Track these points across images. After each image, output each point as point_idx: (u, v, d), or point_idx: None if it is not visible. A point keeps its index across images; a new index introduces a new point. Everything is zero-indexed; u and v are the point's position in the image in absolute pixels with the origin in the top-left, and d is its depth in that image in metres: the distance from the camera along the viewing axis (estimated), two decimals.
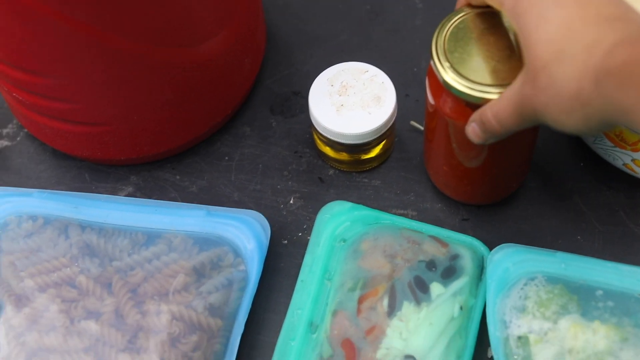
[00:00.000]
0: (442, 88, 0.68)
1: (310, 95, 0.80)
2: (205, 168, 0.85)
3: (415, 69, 0.90)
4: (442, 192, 0.82)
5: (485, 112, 0.64)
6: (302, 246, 0.80)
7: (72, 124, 0.78)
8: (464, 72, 0.65)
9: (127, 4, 0.67)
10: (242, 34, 0.81)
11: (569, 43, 0.56)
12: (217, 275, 0.75)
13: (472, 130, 0.67)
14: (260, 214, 0.78)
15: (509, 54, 0.65)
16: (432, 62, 0.67)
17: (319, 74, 0.82)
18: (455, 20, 0.68)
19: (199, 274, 0.74)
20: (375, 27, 0.94)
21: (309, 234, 0.80)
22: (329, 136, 0.79)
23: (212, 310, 0.73)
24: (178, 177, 0.84)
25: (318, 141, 0.82)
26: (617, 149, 0.77)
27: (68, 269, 0.74)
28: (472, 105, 0.66)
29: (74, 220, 0.77)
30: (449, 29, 0.67)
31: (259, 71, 0.89)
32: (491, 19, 0.67)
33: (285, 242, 0.80)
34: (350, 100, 0.79)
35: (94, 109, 0.77)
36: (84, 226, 0.77)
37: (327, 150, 0.82)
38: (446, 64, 0.66)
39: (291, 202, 0.83)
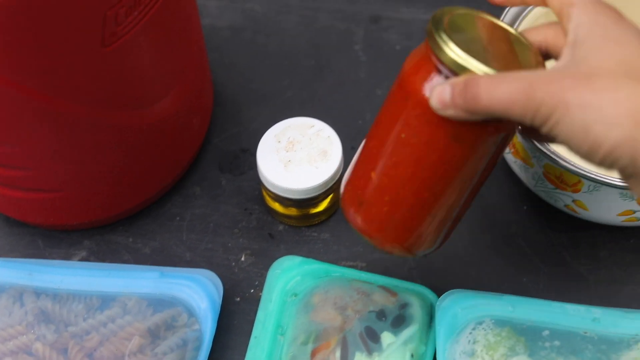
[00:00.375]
0: (423, 62, 0.60)
1: (258, 153, 0.81)
2: (157, 229, 0.86)
3: (360, 122, 0.92)
4: (359, 231, 0.67)
5: (476, 77, 0.57)
6: (254, 302, 0.81)
7: (25, 190, 0.79)
8: (459, 45, 0.58)
9: (77, 70, 0.68)
10: (191, 94, 0.83)
11: None
12: (172, 336, 0.75)
13: (440, 91, 0.58)
14: (213, 273, 0.79)
15: (506, 56, 0.60)
16: (428, 33, 0.60)
17: (266, 130, 0.83)
18: (465, 11, 0.62)
19: (154, 335, 0.75)
20: (320, 82, 0.96)
21: (261, 290, 0.81)
22: (277, 192, 0.80)
23: None
24: (131, 239, 0.85)
25: (267, 197, 0.84)
26: (558, 190, 0.79)
27: (24, 336, 0.75)
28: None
29: (29, 287, 0.78)
30: (456, 13, 0.61)
31: (207, 130, 0.90)
32: (502, 31, 0.63)
33: (238, 299, 0.82)
34: (298, 156, 0.81)
35: (46, 175, 0.77)
36: (38, 292, 0.78)
37: (276, 206, 0.83)
38: (442, 31, 0.58)
39: (242, 259, 0.84)
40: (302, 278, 0.79)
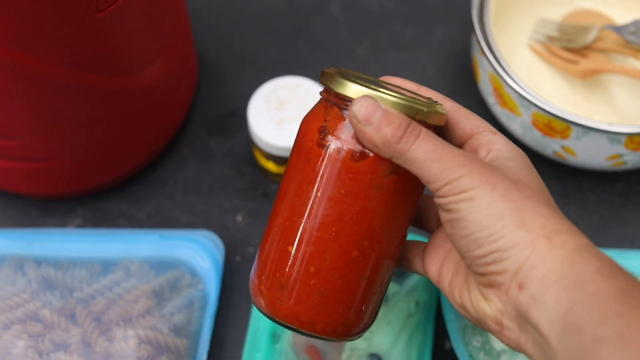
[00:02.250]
0: (321, 113, 0.58)
1: (249, 113, 0.82)
2: (150, 194, 0.86)
3: None
4: (286, 320, 0.60)
5: (415, 124, 0.55)
6: (254, 260, 0.81)
7: (17, 160, 0.79)
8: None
9: (71, 35, 0.68)
10: (178, 58, 0.83)
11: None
12: (178, 297, 0.76)
13: (369, 106, 0.55)
14: (212, 233, 0.80)
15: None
16: (327, 77, 0.59)
17: (252, 92, 0.84)
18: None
19: (160, 296, 0.76)
20: (300, 42, 0.96)
21: None
22: (271, 151, 0.81)
23: (177, 330, 0.74)
24: (125, 205, 0.85)
25: (260, 157, 0.84)
26: (547, 137, 0.81)
27: (30, 304, 0.75)
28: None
29: (29, 256, 0.78)
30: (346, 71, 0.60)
31: (194, 95, 0.90)
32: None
33: (238, 258, 0.82)
34: (289, 115, 0.81)
35: (38, 143, 0.77)
36: (39, 261, 0.78)
37: (270, 166, 0.84)
38: (341, 74, 0.58)
39: (239, 219, 0.84)
40: None
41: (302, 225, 0.58)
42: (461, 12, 0.98)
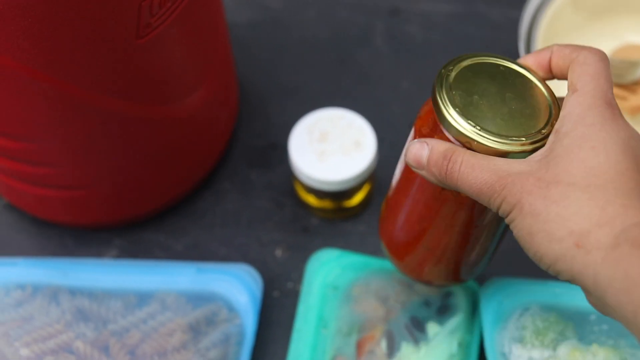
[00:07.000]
0: (429, 115, 0.60)
1: (291, 145, 0.80)
2: (188, 226, 0.85)
3: (387, 114, 0.91)
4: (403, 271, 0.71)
5: (456, 154, 0.56)
6: (293, 296, 0.80)
7: (55, 188, 0.78)
8: (460, 104, 0.57)
9: (112, 62, 0.67)
10: (219, 88, 0.82)
11: (611, 188, 0.51)
12: (214, 331, 0.74)
13: (418, 149, 0.58)
14: (250, 267, 0.78)
15: (511, 114, 0.57)
16: (435, 105, 0.58)
17: (292, 124, 0.82)
18: (476, 60, 0.60)
19: (195, 330, 0.74)
20: (343, 74, 0.95)
21: (299, 284, 0.80)
22: (312, 184, 0.79)
23: None
24: (162, 236, 0.84)
25: (300, 190, 0.83)
26: None
27: (64, 335, 0.73)
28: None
29: (64, 287, 0.77)
30: (464, 65, 0.59)
31: (234, 126, 0.89)
32: (513, 78, 0.60)
33: (277, 293, 0.80)
34: (331, 147, 0.80)
35: (76, 171, 0.76)
36: (74, 292, 0.76)
37: (310, 199, 0.82)
38: (444, 90, 0.58)
39: (278, 253, 0.83)
40: (341, 271, 0.78)
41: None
42: (506, 45, 0.96)
